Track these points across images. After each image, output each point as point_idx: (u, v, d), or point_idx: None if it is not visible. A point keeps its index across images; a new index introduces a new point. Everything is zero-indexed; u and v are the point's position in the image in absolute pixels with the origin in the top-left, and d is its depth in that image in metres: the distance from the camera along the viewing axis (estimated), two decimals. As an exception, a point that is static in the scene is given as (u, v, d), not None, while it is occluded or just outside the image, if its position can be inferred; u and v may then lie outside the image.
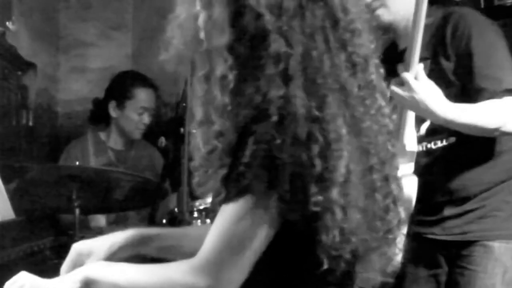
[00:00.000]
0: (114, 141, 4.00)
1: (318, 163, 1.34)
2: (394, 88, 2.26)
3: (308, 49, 1.39)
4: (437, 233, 2.50)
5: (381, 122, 1.49)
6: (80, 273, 1.49)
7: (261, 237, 1.37)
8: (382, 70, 1.53)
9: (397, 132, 2.33)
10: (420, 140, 2.45)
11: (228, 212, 1.37)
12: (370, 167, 1.45)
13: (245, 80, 1.39)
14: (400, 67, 2.36)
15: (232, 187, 1.36)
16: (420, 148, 2.45)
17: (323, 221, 1.36)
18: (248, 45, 1.41)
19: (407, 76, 2.25)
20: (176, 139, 3.03)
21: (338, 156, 1.36)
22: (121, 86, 3.96)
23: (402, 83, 2.26)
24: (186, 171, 2.86)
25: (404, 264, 2.42)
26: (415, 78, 2.25)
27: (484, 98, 2.31)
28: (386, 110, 1.52)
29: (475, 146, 2.42)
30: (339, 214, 1.36)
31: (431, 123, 2.42)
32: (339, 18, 1.44)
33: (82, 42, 4.93)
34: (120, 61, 4.86)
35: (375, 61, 1.51)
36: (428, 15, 2.33)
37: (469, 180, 2.45)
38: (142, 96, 3.95)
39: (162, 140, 3.37)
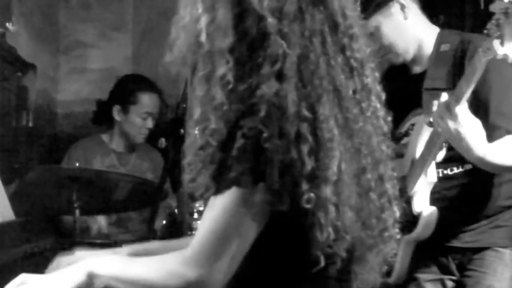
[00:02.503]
0: (116, 144, 4.00)
1: (308, 161, 1.37)
2: (441, 116, 2.25)
3: (306, 51, 1.43)
4: (451, 241, 2.53)
5: (376, 124, 1.54)
6: (84, 267, 1.52)
7: (249, 228, 1.40)
8: (377, 74, 1.57)
9: (423, 164, 2.40)
10: (436, 166, 2.47)
11: (216, 204, 1.41)
12: (363, 167, 1.49)
13: (242, 79, 1.43)
14: (444, 96, 2.30)
15: (220, 180, 1.40)
16: (436, 174, 2.47)
17: (316, 219, 1.40)
18: (248, 47, 1.45)
19: (459, 109, 2.22)
20: (176, 140, 3.03)
21: (330, 155, 1.40)
22: (125, 90, 3.94)
23: (446, 113, 2.24)
24: (186, 172, 2.85)
25: (410, 270, 2.45)
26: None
27: (498, 136, 2.35)
28: (381, 113, 1.56)
29: (491, 172, 2.46)
30: (332, 212, 1.40)
31: (448, 152, 2.43)
32: (338, 23, 1.49)
33: (82, 43, 4.93)
34: (120, 62, 4.87)
35: (371, 65, 1.55)
36: (445, 41, 2.41)
37: (487, 204, 2.49)
38: (147, 101, 3.93)
39: (162, 141, 3.36)
